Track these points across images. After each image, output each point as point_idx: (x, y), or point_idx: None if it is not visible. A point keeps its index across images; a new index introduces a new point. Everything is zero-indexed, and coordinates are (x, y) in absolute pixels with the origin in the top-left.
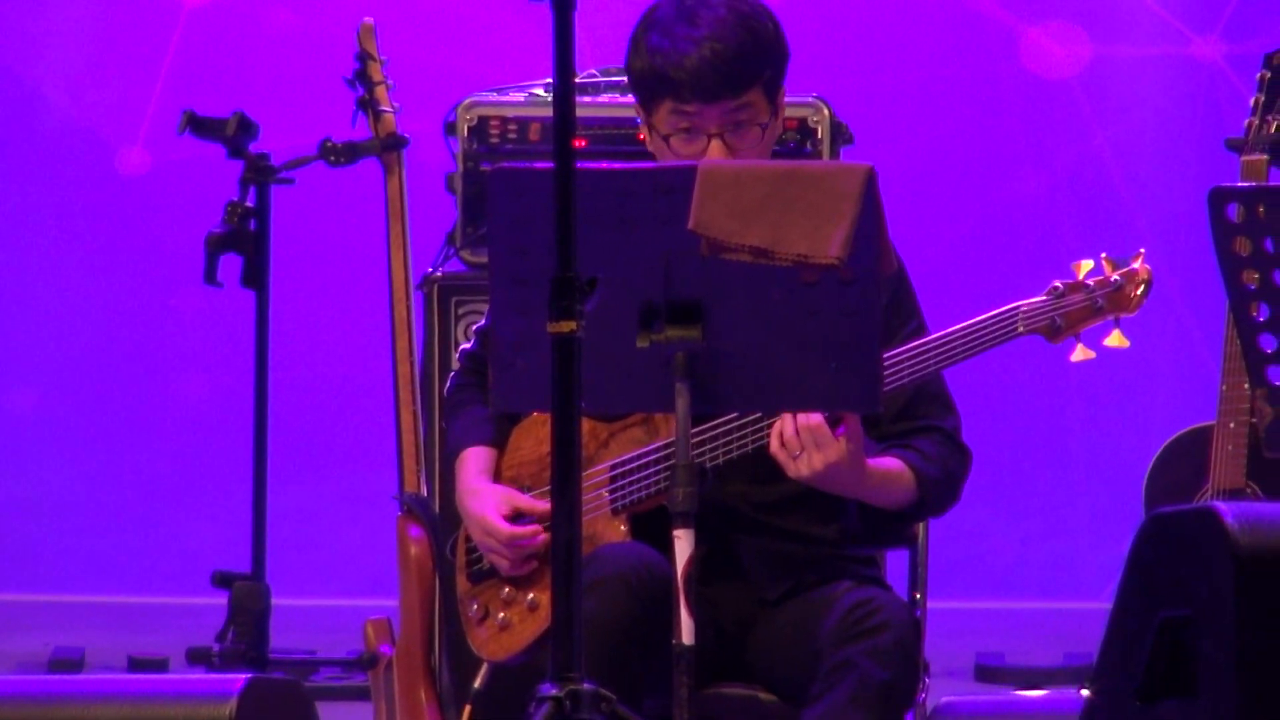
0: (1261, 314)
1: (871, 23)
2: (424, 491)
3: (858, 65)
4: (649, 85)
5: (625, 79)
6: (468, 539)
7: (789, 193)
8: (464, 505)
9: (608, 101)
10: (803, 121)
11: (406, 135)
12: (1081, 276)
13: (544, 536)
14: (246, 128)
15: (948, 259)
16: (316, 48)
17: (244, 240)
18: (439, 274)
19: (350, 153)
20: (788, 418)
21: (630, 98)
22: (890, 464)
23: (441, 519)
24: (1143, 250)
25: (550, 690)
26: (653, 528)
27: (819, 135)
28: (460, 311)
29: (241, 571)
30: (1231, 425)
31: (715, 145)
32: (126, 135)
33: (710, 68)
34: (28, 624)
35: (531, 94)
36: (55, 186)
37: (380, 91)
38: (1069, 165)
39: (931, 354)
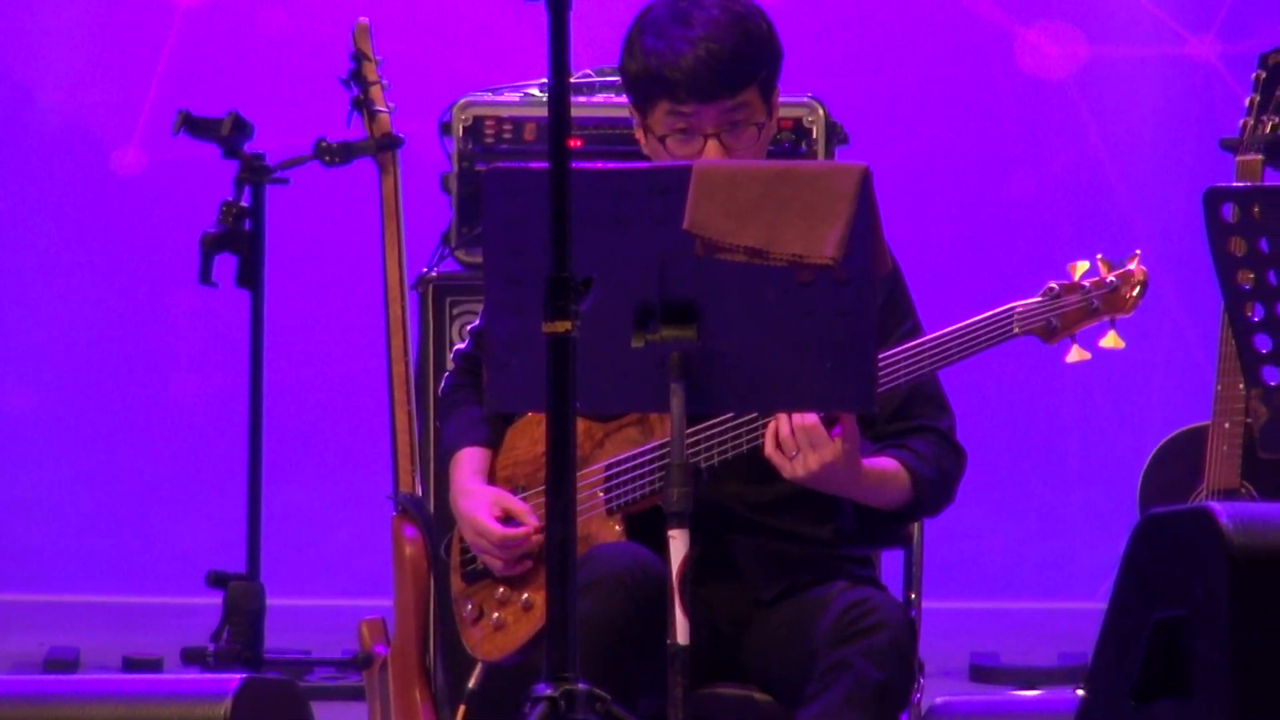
0: (1256, 314)
1: (867, 23)
2: (419, 491)
3: (853, 65)
4: (644, 86)
5: (620, 80)
6: (462, 539)
7: (784, 193)
8: (457, 506)
9: (603, 101)
10: (798, 121)
11: (401, 135)
12: (1077, 277)
13: (537, 538)
14: (241, 128)
15: (943, 259)
16: (311, 48)
17: (239, 240)
18: (434, 274)
19: (345, 153)
20: (783, 418)
21: (625, 98)
22: (885, 464)
23: (436, 519)
24: (1138, 251)
25: (545, 690)
26: (647, 528)
27: (814, 135)
28: (455, 311)
29: (236, 571)
30: (1226, 425)
31: (712, 145)
32: (121, 135)
33: (706, 67)
34: (23, 624)
35: (526, 94)
36: (50, 186)
37: (375, 91)
38: (1064, 165)
39: (927, 354)
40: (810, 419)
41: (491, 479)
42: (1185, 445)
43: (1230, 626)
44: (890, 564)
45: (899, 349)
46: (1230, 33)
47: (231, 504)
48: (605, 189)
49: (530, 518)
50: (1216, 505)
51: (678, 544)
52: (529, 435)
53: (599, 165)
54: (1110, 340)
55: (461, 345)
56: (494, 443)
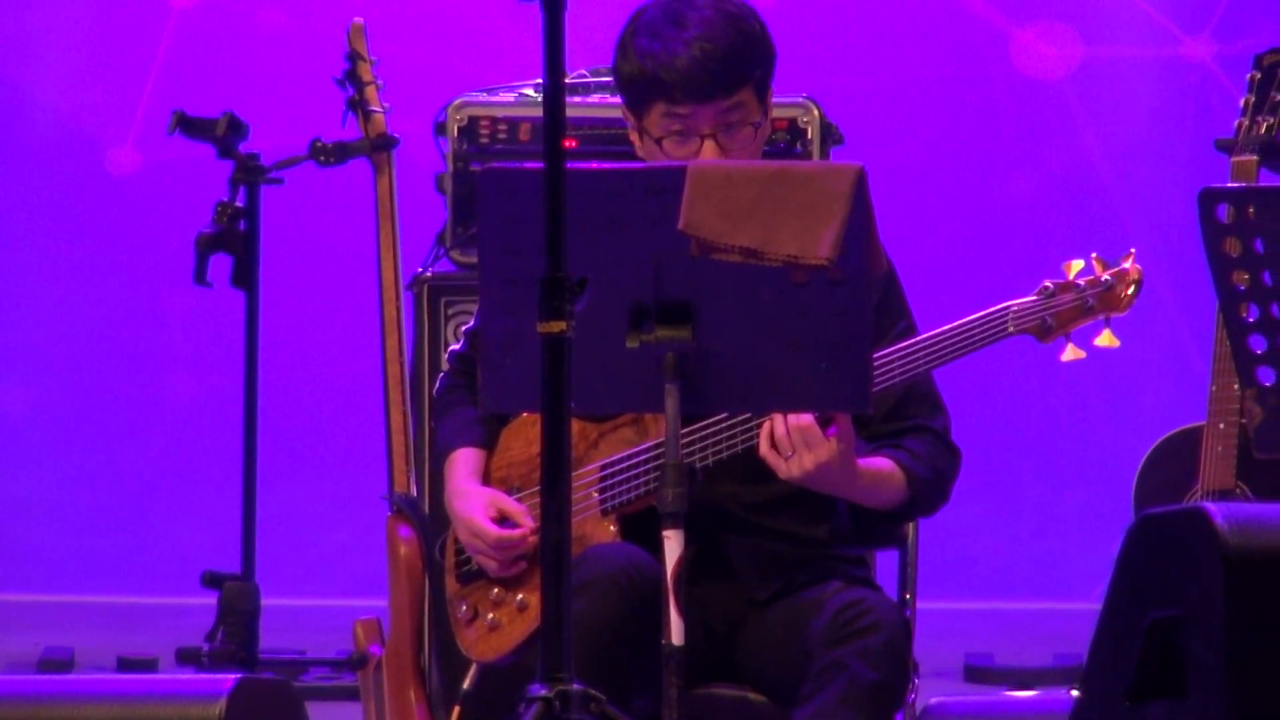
0: (1251, 315)
1: (862, 23)
2: (414, 492)
3: (848, 65)
4: (640, 88)
5: (614, 81)
6: (456, 540)
7: (779, 193)
8: (452, 507)
9: (598, 102)
10: (793, 122)
11: (396, 135)
12: (1072, 276)
13: (532, 539)
14: (236, 128)
15: (938, 259)
16: (306, 48)
17: (234, 240)
18: (429, 274)
19: (340, 153)
20: (778, 418)
21: (619, 99)
22: (880, 464)
23: (431, 519)
24: (1133, 250)
25: (539, 691)
26: (642, 528)
27: (809, 135)
28: (450, 312)
29: (231, 572)
30: (1221, 426)
31: (709, 146)
32: (117, 135)
33: (702, 68)
34: (18, 624)
35: (521, 94)
36: (45, 186)
37: (370, 92)
38: (1060, 166)
39: (922, 354)
40: (805, 419)
41: (486, 480)
42: (1180, 446)
43: (1225, 627)
44: (885, 564)
45: (894, 348)
46: (1225, 33)
47: (226, 504)
48: (600, 189)
49: (525, 519)
50: (1211, 506)
51: (672, 544)
52: (524, 436)
53: (594, 165)
54: (1105, 339)
55: (456, 346)
56: (489, 444)
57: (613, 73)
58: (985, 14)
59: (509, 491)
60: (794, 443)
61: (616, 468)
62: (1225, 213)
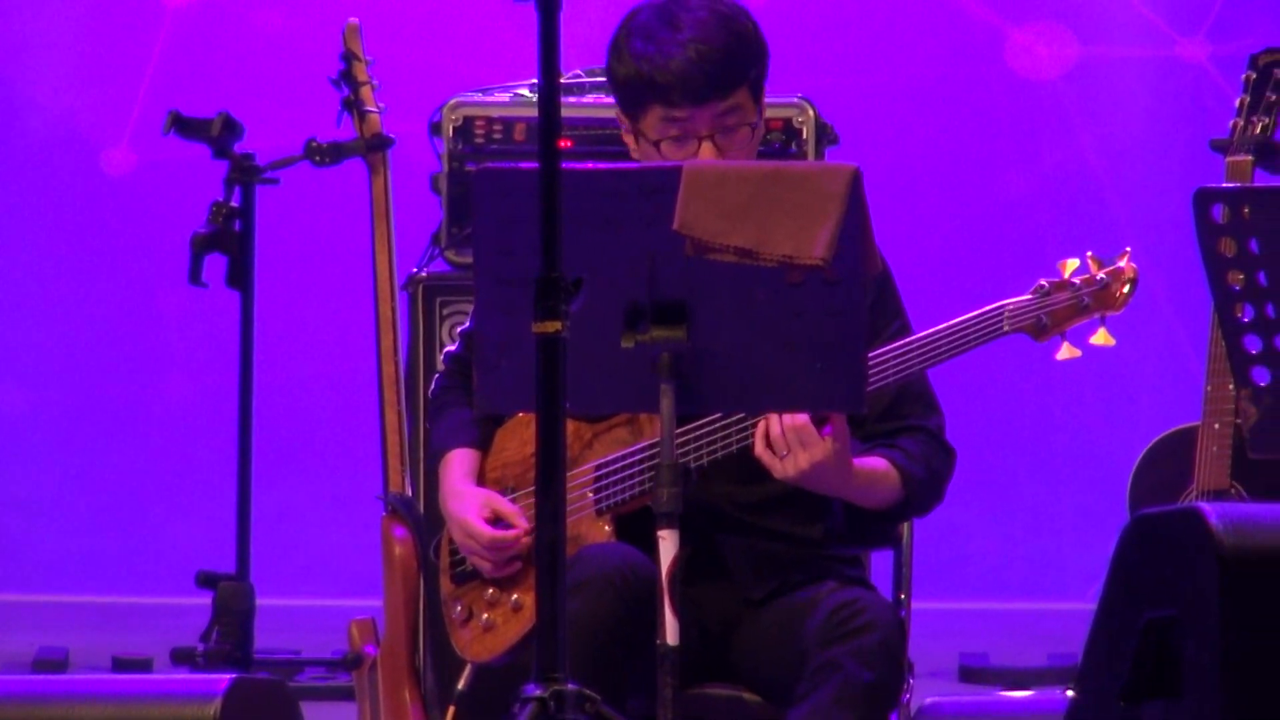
0: (1246, 315)
1: (857, 23)
2: (408, 492)
3: (843, 66)
4: (635, 91)
5: (608, 83)
6: (451, 540)
7: (774, 193)
8: (447, 507)
9: (593, 102)
10: (788, 122)
11: (391, 135)
12: (1067, 275)
13: (526, 540)
14: (231, 128)
15: (934, 259)
16: (302, 48)
17: (229, 240)
18: (424, 274)
19: (335, 153)
20: (773, 418)
21: (614, 99)
22: (875, 463)
23: (426, 520)
24: (1129, 249)
25: (534, 691)
26: (637, 528)
27: (804, 136)
28: (445, 312)
29: (226, 571)
30: (1216, 426)
31: (706, 148)
32: (111, 135)
33: (698, 70)
34: (12, 624)
35: (516, 94)
36: (41, 186)
37: (365, 92)
38: (1054, 166)
39: (917, 353)
40: (800, 418)
41: (481, 480)
42: (1175, 446)
43: (1220, 627)
44: (880, 564)
45: (889, 348)
46: (1220, 34)
47: (221, 504)
48: (595, 189)
49: (520, 519)
50: (1206, 506)
51: (667, 544)
52: (518, 436)
53: (589, 165)
54: (1101, 338)
55: (451, 347)
56: (484, 444)
57: (606, 74)
58: (980, 14)
59: (504, 492)
60: (789, 442)
61: (611, 468)
62: (1220, 213)
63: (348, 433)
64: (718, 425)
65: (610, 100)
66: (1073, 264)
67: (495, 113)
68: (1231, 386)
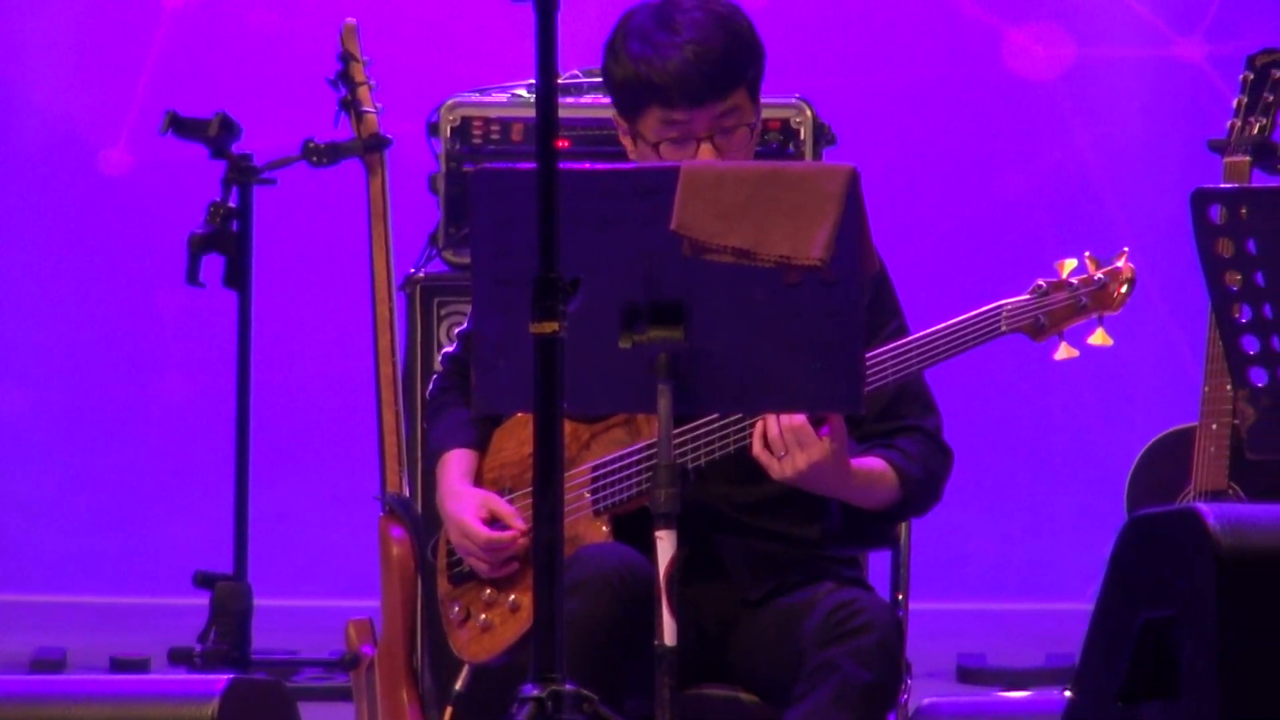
0: (1244, 315)
1: (854, 24)
2: (406, 492)
3: (840, 66)
4: (633, 93)
5: (605, 85)
6: (449, 541)
7: (771, 194)
8: (444, 508)
9: (590, 102)
10: (785, 122)
11: (389, 136)
12: (1065, 275)
13: (522, 541)
14: (229, 128)
15: (931, 259)
16: (299, 48)
17: (226, 241)
18: (421, 274)
19: (333, 153)
20: (771, 418)
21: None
22: (873, 464)
23: (424, 520)
24: (1126, 249)
25: (532, 691)
26: (634, 529)
27: (801, 136)
28: (443, 312)
29: (223, 572)
30: (1214, 427)
31: (705, 149)
32: (109, 135)
33: (696, 71)
34: (9, 624)
35: (514, 95)
36: (38, 187)
37: (363, 92)
38: (1052, 166)
39: (915, 353)
40: (798, 419)
41: (479, 481)
42: (1173, 446)
43: (1217, 627)
44: (878, 565)
45: (886, 348)
46: (1217, 34)
47: (219, 504)
48: (593, 189)
49: (517, 520)
50: (1204, 506)
51: (665, 545)
52: (516, 437)
53: (586, 166)
54: (1098, 338)
55: (450, 348)
56: (482, 445)
57: (603, 76)
58: (977, 14)
59: (501, 492)
60: (787, 442)
61: (609, 468)
62: (1218, 213)
63: (345, 433)
64: (715, 426)
65: (608, 100)
66: (1070, 264)
67: (493, 113)
68: (1229, 387)
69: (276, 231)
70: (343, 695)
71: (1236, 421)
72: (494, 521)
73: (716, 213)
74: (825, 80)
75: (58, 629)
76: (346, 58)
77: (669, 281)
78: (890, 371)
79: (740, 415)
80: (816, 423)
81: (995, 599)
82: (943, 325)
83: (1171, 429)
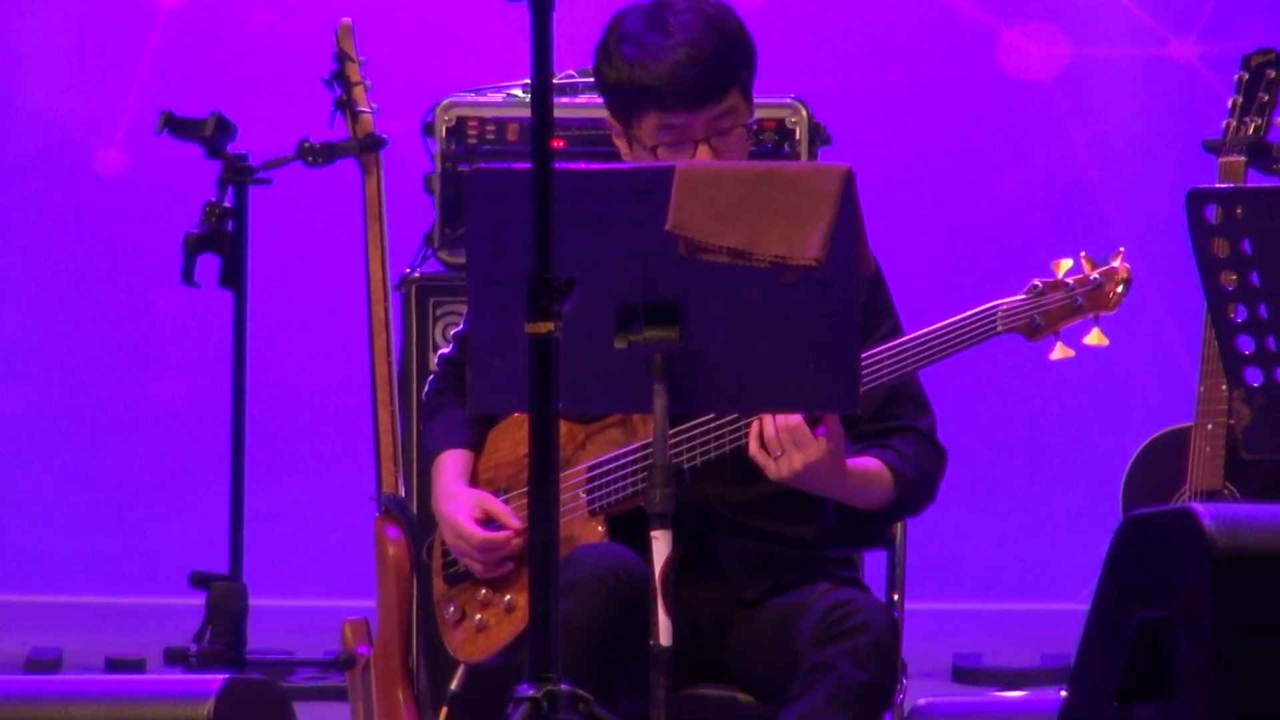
0: (1239, 315)
1: (849, 24)
2: (402, 492)
3: (835, 66)
4: (628, 98)
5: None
6: (444, 542)
7: (767, 194)
8: (438, 508)
9: (586, 102)
10: (780, 122)
11: (384, 136)
12: (1061, 275)
13: (517, 541)
14: (224, 128)
15: (927, 259)
16: (294, 48)
17: (222, 240)
18: (417, 274)
19: (328, 153)
20: (767, 418)
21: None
22: (869, 464)
23: (419, 520)
24: (1122, 249)
25: (528, 691)
26: (630, 529)
27: (797, 136)
28: (438, 312)
29: (219, 572)
30: (1209, 427)
31: (703, 151)
32: (104, 136)
33: (691, 75)
34: (5, 624)
35: (509, 95)
36: (33, 187)
37: (358, 92)
38: (1047, 166)
39: (910, 353)
40: (794, 419)
41: (474, 481)
42: (1168, 446)
43: (1213, 627)
44: (873, 565)
45: (882, 348)
46: (1212, 34)
47: (214, 504)
48: (588, 189)
49: (512, 518)
50: (1199, 506)
51: (660, 545)
52: (511, 437)
53: (582, 166)
54: (1094, 338)
55: (445, 350)
56: (477, 445)
57: (595, 78)
58: (972, 14)
59: (496, 493)
60: (783, 443)
61: (604, 468)
62: (1213, 213)
63: (341, 433)
64: (711, 426)
65: (603, 101)
66: (1066, 264)
67: (488, 113)
68: (1224, 387)
69: (272, 231)
70: (338, 695)
71: (1232, 421)
72: (489, 521)
73: (712, 213)
74: (820, 80)
75: (53, 629)
76: (342, 58)
77: (664, 281)
78: (886, 372)
79: (736, 415)
80: (812, 423)
81: (991, 599)
82: (939, 325)
83: (1167, 429)
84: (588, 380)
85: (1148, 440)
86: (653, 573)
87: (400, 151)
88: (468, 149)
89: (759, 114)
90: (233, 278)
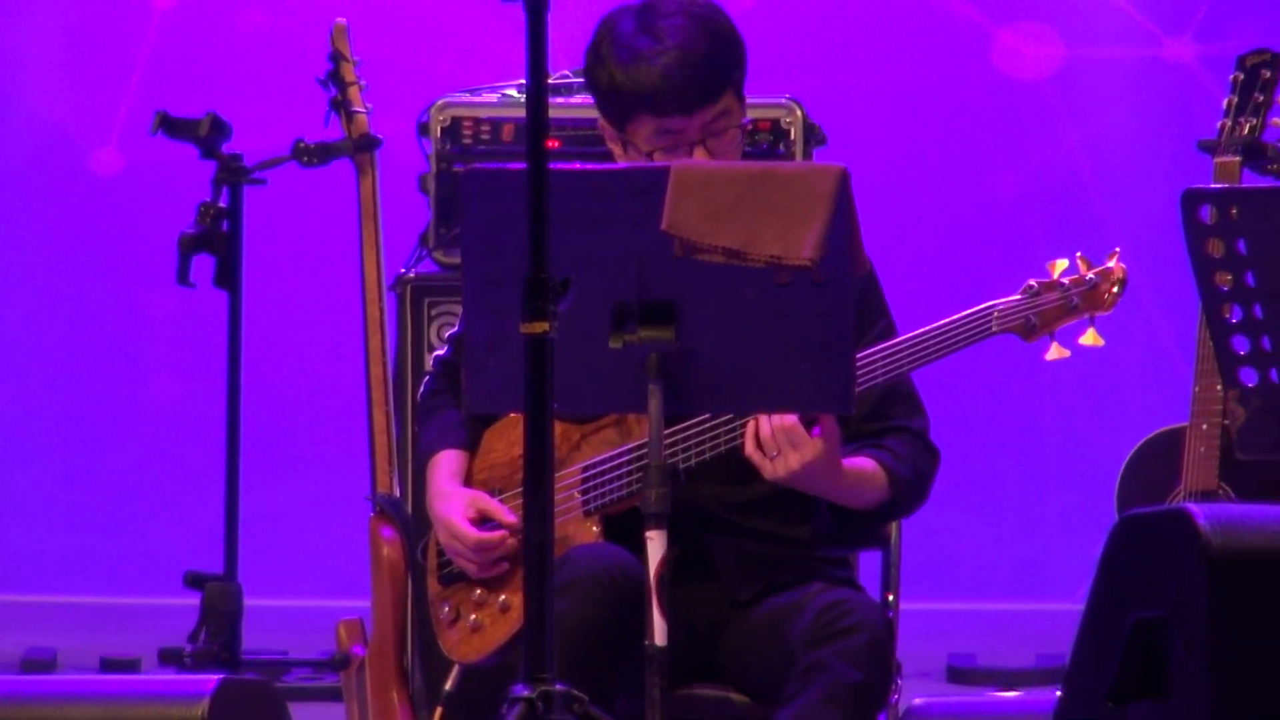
0: (1234, 316)
1: (844, 24)
2: (396, 492)
3: (831, 66)
4: (622, 104)
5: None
6: (438, 542)
7: (762, 194)
8: (433, 509)
9: (581, 102)
10: (775, 122)
11: (379, 136)
12: (1056, 275)
13: (511, 541)
14: (219, 128)
15: (922, 259)
16: (289, 48)
17: (216, 241)
18: (412, 275)
19: (323, 153)
20: (763, 418)
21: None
22: (863, 464)
23: (414, 520)
24: (1117, 249)
25: (522, 691)
26: (625, 529)
27: (792, 136)
28: (433, 312)
29: (214, 572)
30: (1204, 427)
31: (699, 153)
32: (99, 136)
33: (683, 79)
34: (0, 624)
35: (504, 95)
36: (29, 187)
37: (353, 92)
38: (1041, 166)
39: (905, 354)
40: (790, 419)
41: (468, 482)
42: (1163, 447)
43: (1208, 628)
44: (868, 565)
45: (877, 348)
46: (1207, 34)
47: (209, 504)
48: (583, 190)
49: (507, 515)
50: (1194, 506)
51: (655, 545)
52: (506, 437)
53: (577, 166)
54: (1090, 338)
55: (440, 351)
56: (472, 446)
57: (587, 81)
58: (967, 14)
59: (491, 493)
60: (779, 443)
61: (599, 469)
62: (1208, 214)
63: (336, 433)
64: (706, 426)
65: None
66: (1062, 264)
67: (483, 113)
68: (1219, 387)
69: (267, 232)
70: (333, 695)
71: (1227, 422)
72: (483, 521)
73: (707, 213)
74: (815, 80)
75: (48, 629)
76: (337, 58)
77: (660, 282)
78: (881, 372)
79: (731, 415)
80: (808, 423)
81: (985, 599)
82: (934, 326)
83: (1162, 429)
84: (583, 380)
85: (1143, 440)
86: (647, 573)
87: (395, 152)
88: (463, 149)
89: (753, 114)
90: (228, 278)
